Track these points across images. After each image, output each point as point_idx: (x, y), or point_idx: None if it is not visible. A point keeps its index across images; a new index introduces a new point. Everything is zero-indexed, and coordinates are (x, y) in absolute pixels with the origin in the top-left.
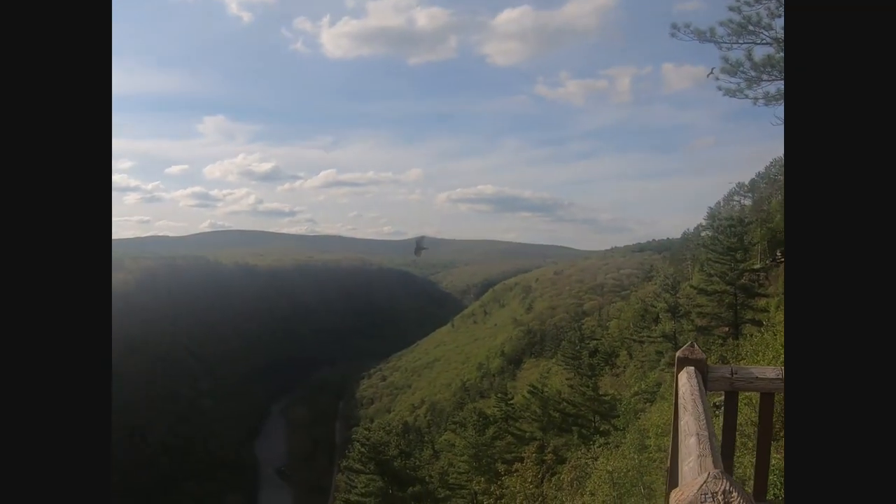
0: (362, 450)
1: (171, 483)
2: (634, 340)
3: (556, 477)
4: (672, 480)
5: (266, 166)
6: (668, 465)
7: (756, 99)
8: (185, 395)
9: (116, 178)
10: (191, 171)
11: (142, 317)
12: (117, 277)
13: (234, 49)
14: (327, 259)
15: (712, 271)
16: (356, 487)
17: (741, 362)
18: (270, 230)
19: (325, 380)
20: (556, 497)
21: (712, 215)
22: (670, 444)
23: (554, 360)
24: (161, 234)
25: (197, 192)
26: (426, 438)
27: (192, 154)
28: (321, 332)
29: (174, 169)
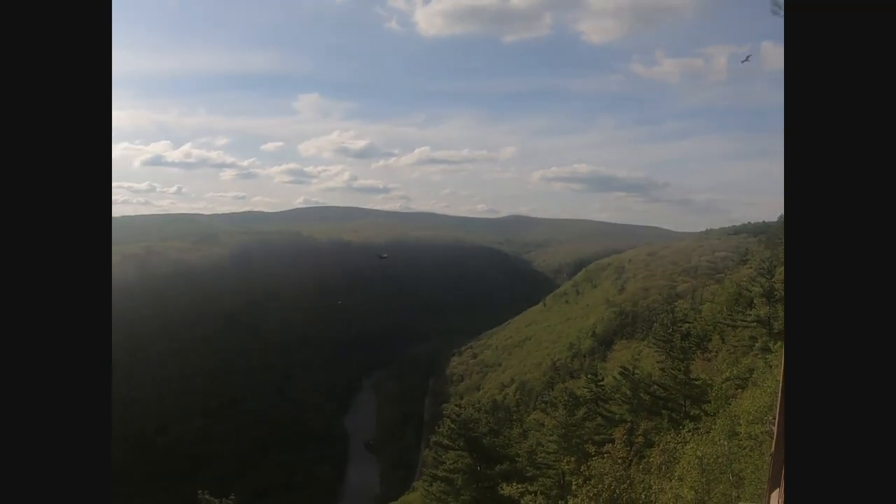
0: (452, 426)
1: (262, 452)
2: (728, 325)
3: (644, 460)
4: (776, 466)
5: (360, 143)
6: (773, 450)
7: None
8: (277, 366)
9: (212, 154)
10: (286, 148)
11: (236, 289)
12: (213, 251)
13: (329, 27)
14: (420, 236)
15: None
16: (444, 463)
17: None
18: (365, 206)
19: (416, 356)
20: (643, 481)
21: None
22: (775, 428)
23: (645, 343)
24: (256, 209)
25: (292, 169)
26: (515, 417)
27: (287, 131)
28: (413, 307)
29: (270, 146)
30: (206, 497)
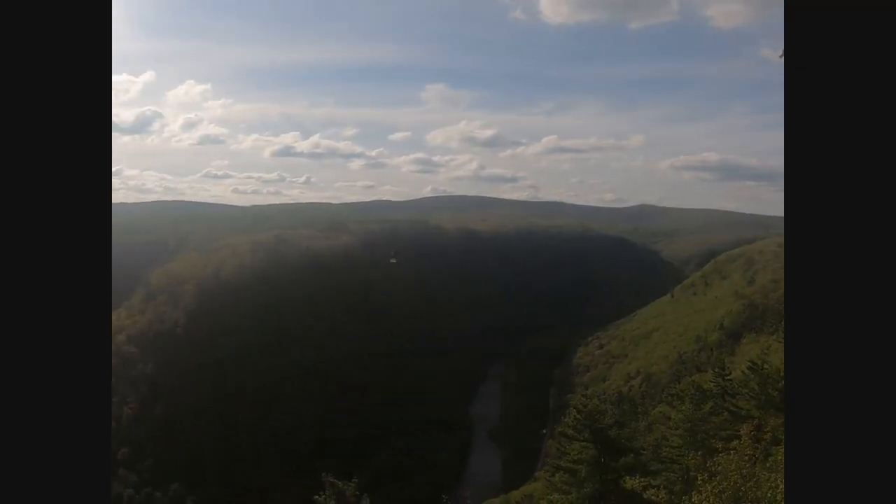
0: (578, 416)
1: (383, 437)
2: None
3: (771, 458)
4: None
5: (488, 132)
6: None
7: None
8: (401, 353)
9: (341, 144)
10: (414, 138)
11: (362, 277)
12: (341, 240)
13: (455, 17)
14: (548, 225)
15: None
16: (568, 454)
17: None
18: (492, 196)
19: (541, 345)
20: (770, 479)
21: None
22: None
23: (775, 337)
24: (384, 198)
25: (420, 158)
26: (640, 409)
27: (414, 121)
28: (540, 297)
29: (397, 136)
30: (330, 480)
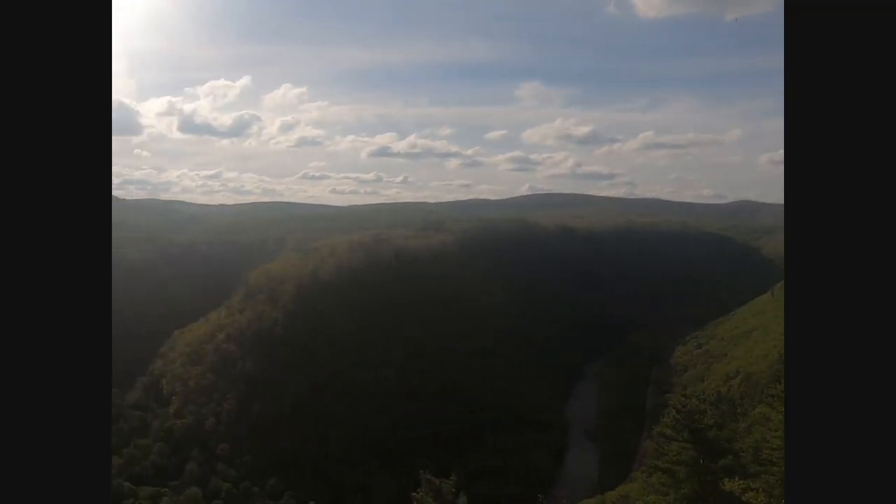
0: (677, 417)
1: (479, 436)
2: None
3: None
4: None
5: (583, 129)
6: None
7: None
8: (497, 352)
9: (437, 144)
10: (509, 136)
11: (460, 276)
12: (438, 238)
13: (547, 14)
14: (646, 223)
15: None
16: (666, 455)
17: None
18: (589, 193)
19: (639, 344)
20: None
21: None
22: None
23: None
24: (481, 197)
25: (516, 157)
26: (739, 410)
27: (509, 119)
28: (637, 295)
29: (493, 134)
30: (428, 477)
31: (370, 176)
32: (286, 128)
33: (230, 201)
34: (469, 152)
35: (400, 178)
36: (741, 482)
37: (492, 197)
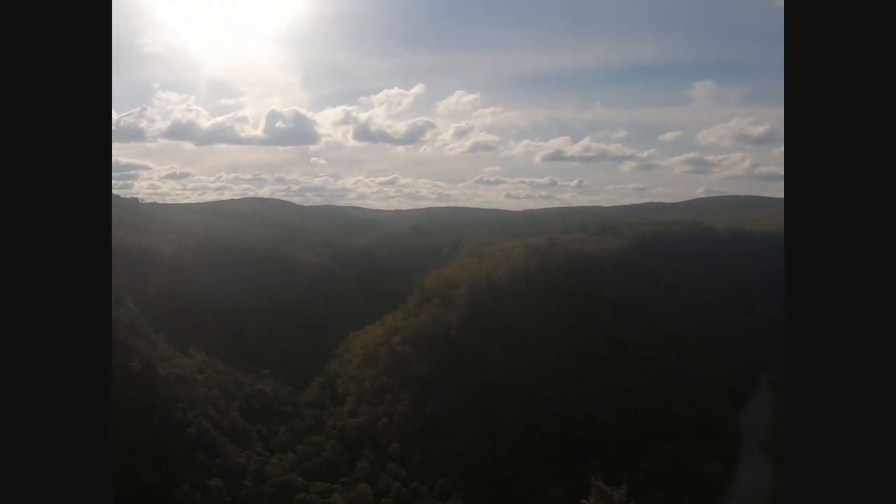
0: None
1: (649, 443)
2: None
3: None
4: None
5: (760, 129)
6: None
7: None
8: (670, 358)
9: (611, 147)
10: (684, 138)
11: (635, 280)
12: (613, 243)
13: (717, 9)
14: None
15: None
16: None
17: None
18: (767, 195)
19: None
20: None
21: None
22: None
23: None
24: (657, 200)
25: (691, 158)
26: None
27: (684, 120)
28: None
29: (668, 136)
30: (599, 484)
31: (544, 180)
32: (460, 134)
33: (405, 206)
34: (644, 155)
35: (574, 182)
36: None
37: (667, 200)
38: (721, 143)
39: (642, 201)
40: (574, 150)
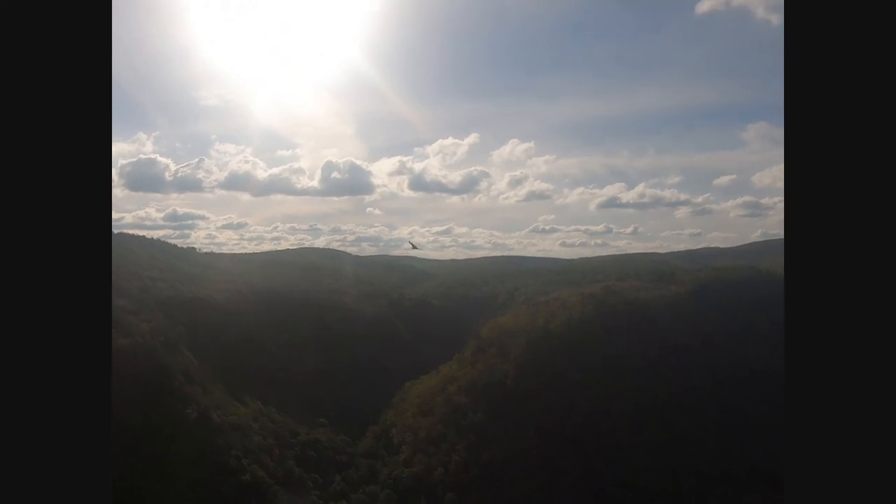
0: None
1: (709, 491)
2: None
3: None
4: None
5: None
6: None
7: None
8: (727, 403)
9: (666, 193)
10: (739, 181)
11: (691, 326)
12: (669, 289)
13: (768, 53)
14: None
15: None
16: None
17: None
18: None
19: None
20: None
21: None
22: None
23: None
24: (712, 245)
25: (747, 202)
26: None
27: (738, 163)
28: None
29: (722, 180)
30: None
31: (599, 227)
32: (515, 182)
33: (461, 256)
34: (699, 199)
35: (630, 229)
36: None
37: (723, 245)
38: (776, 185)
39: (698, 246)
40: (629, 196)
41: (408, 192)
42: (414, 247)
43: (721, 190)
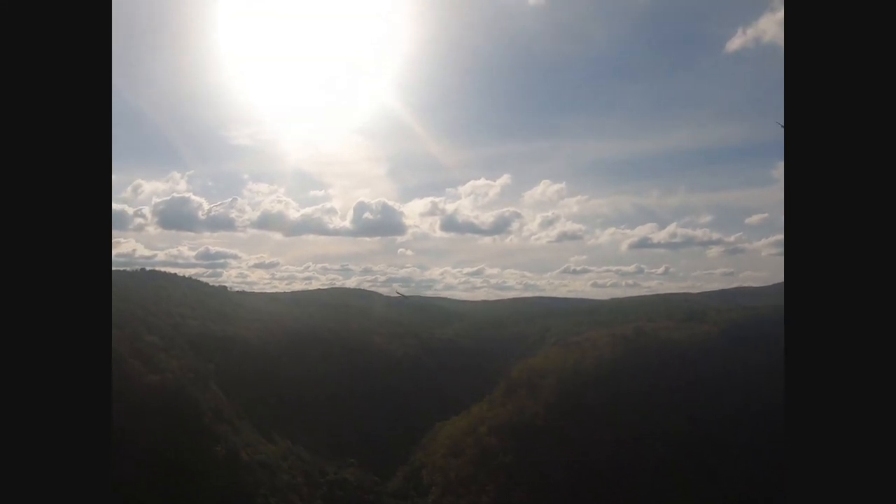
0: None
1: None
2: None
3: None
4: None
5: None
6: None
7: None
8: (756, 441)
9: (697, 232)
10: (770, 219)
11: (723, 367)
12: (701, 329)
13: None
14: None
15: None
16: None
17: None
18: None
19: None
20: None
21: None
22: None
23: None
24: (745, 284)
25: (779, 241)
26: None
27: (769, 201)
28: None
29: (754, 218)
30: None
31: (631, 268)
32: (546, 223)
33: (492, 297)
34: (731, 239)
35: (661, 269)
36: None
37: (755, 284)
38: None
39: (730, 286)
40: (660, 236)
41: (439, 233)
42: (403, 296)
43: (753, 228)
